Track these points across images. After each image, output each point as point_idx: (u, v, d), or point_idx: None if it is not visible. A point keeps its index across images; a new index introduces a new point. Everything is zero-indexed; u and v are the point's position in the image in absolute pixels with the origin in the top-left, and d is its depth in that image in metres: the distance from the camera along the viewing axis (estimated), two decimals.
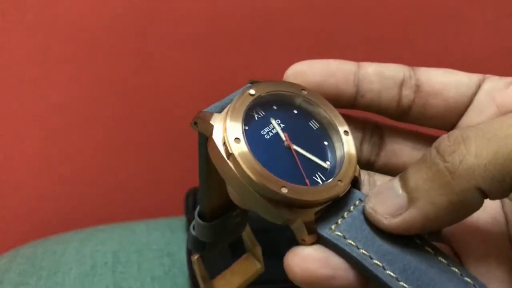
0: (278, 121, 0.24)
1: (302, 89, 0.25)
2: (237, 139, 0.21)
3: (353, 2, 0.54)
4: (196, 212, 0.29)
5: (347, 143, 0.24)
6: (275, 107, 0.24)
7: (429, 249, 0.21)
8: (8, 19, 0.51)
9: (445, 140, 0.20)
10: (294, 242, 0.22)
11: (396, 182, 0.21)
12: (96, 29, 0.52)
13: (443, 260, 0.21)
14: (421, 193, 0.20)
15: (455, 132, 0.20)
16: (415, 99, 0.26)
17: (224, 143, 0.22)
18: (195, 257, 0.31)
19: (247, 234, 0.33)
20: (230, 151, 0.21)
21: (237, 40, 0.54)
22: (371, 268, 0.21)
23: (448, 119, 0.26)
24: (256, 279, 0.37)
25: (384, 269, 0.21)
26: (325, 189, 0.22)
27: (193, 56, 0.54)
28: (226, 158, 0.21)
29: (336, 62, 0.25)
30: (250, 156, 0.21)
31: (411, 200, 0.20)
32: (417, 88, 0.26)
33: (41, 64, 0.52)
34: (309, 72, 0.25)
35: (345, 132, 0.24)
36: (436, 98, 0.25)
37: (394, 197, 0.21)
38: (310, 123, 0.25)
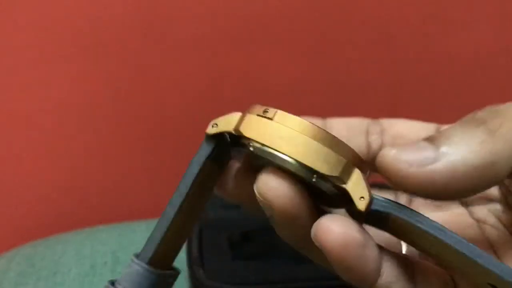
0: None
1: None
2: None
3: (353, 2, 0.54)
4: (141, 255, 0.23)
5: None
6: None
7: None
8: (7, 19, 0.51)
9: (480, 112, 0.20)
10: None
11: (422, 142, 0.20)
12: (96, 29, 0.52)
13: None
14: (454, 148, 0.19)
15: (479, 111, 0.20)
16: (383, 142, 0.26)
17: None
18: None
19: None
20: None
21: (237, 40, 0.54)
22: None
23: None
24: (256, 279, 0.37)
25: None
26: None
27: (193, 56, 0.54)
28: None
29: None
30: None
31: (442, 155, 0.19)
32: (383, 132, 0.26)
33: (40, 64, 0.52)
34: None
35: None
36: (403, 139, 0.26)
37: (422, 149, 0.19)
38: None
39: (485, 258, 0.19)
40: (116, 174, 0.57)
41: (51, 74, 0.53)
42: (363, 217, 0.21)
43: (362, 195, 0.20)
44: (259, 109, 0.21)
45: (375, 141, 0.26)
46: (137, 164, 0.57)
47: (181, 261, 0.41)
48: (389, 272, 0.21)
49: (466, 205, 0.27)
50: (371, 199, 0.20)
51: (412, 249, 0.25)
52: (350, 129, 0.26)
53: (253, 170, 0.22)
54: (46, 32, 0.51)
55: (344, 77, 0.57)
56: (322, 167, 0.20)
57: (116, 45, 0.53)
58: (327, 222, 0.20)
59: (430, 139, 0.20)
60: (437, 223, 0.20)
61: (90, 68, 0.53)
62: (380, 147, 0.26)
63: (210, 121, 0.22)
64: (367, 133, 0.26)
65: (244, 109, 0.22)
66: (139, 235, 0.43)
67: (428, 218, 0.20)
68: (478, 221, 0.26)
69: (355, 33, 0.55)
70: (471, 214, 0.26)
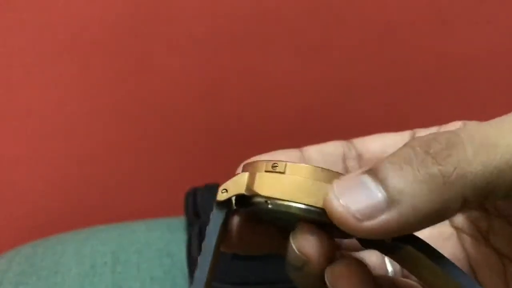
0: None
1: None
2: None
3: (353, 3, 0.54)
4: None
5: None
6: None
7: None
8: (7, 19, 0.51)
9: (436, 143, 0.19)
10: None
11: (366, 178, 0.19)
12: (96, 29, 0.52)
13: None
14: (405, 196, 0.18)
15: (444, 135, 0.19)
16: (360, 166, 0.26)
17: None
18: None
19: None
20: None
21: (237, 40, 0.54)
22: None
23: None
24: (256, 279, 0.37)
25: None
26: None
27: (193, 56, 0.54)
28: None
29: (280, 153, 0.25)
30: None
31: (392, 203, 0.18)
32: (360, 157, 0.26)
33: (40, 64, 0.52)
34: None
35: None
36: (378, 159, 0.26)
37: (369, 196, 0.19)
38: None
39: None
40: (116, 174, 0.58)
41: (51, 74, 0.53)
42: (376, 246, 0.21)
43: None
44: (267, 164, 0.21)
45: (353, 167, 0.26)
46: (137, 164, 0.57)
47: (181, 261, 0.41)
48: None
49: None
50: None
51: (396, 267, 0.25)
52: (326, 157, 0.26)
53: (255, 222, 0.23)
54: (46, 32, 0.51)
55: (344, 77, 0.57)
56: None
57: (116, 45, 0.53)
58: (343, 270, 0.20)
59: (376, 174, 0.19)
60: (454, 264, 0.20)
61: (90, 69, 0.53)
62: None
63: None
64: (344, 159, 0.26)
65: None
66: (139, 235, 0.43)
67: (444, 255, 0.20)
68: (456, 229, 0.26)
69: (356, 34, 0.56)
70: (451, 222, 0.26)
